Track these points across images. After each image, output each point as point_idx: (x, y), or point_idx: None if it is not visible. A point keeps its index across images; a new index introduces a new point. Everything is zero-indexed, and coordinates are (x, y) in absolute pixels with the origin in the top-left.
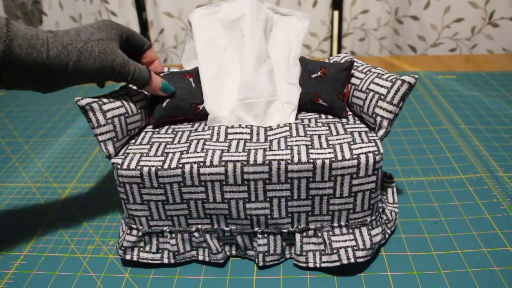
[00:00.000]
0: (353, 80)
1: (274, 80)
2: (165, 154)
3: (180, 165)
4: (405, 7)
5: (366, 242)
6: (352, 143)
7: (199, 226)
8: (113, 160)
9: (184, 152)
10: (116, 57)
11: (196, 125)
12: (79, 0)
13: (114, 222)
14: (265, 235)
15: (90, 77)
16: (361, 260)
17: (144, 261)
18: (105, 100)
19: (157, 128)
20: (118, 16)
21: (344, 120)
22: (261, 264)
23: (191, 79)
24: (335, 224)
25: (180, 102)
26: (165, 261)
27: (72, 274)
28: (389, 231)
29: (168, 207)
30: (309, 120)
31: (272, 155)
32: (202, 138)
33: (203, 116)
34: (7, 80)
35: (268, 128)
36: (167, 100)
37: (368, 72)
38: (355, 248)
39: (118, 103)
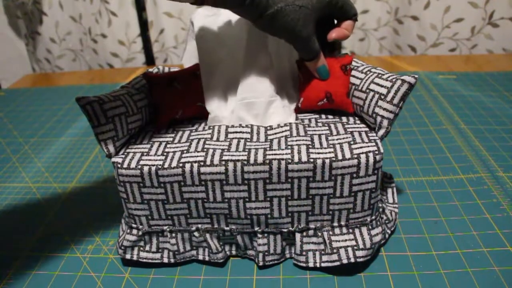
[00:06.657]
0: (353, 80)
1: (275, 80)
2: (165, 154)
3: (181, 165)
4: (405, 7)
5: (366, 242)
6: (352, 142)
7: (199, 226)
8: (113, 159)
9: (185, 151)
10: (303, 31)
11: (196, 124)
12: (79, 0)
13: (114, 222)
14: (265, 234)
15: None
16: (361, 260)
17: (144, 260)
18: (106, 99)
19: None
20: (118, 16)
21: (344, 120)
22: (261, 264)
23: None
24: (335, 223)
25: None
26: (165, 260)
27: (72, 274)
28: (389, 231)
29: (168, 207)
30: (309, 120)
31: (272, 154)
32: (203, 138)
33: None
34: None
35: (268, 128)
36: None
37: (368, 72)
38: (355, 248)
39: (118, 102)
